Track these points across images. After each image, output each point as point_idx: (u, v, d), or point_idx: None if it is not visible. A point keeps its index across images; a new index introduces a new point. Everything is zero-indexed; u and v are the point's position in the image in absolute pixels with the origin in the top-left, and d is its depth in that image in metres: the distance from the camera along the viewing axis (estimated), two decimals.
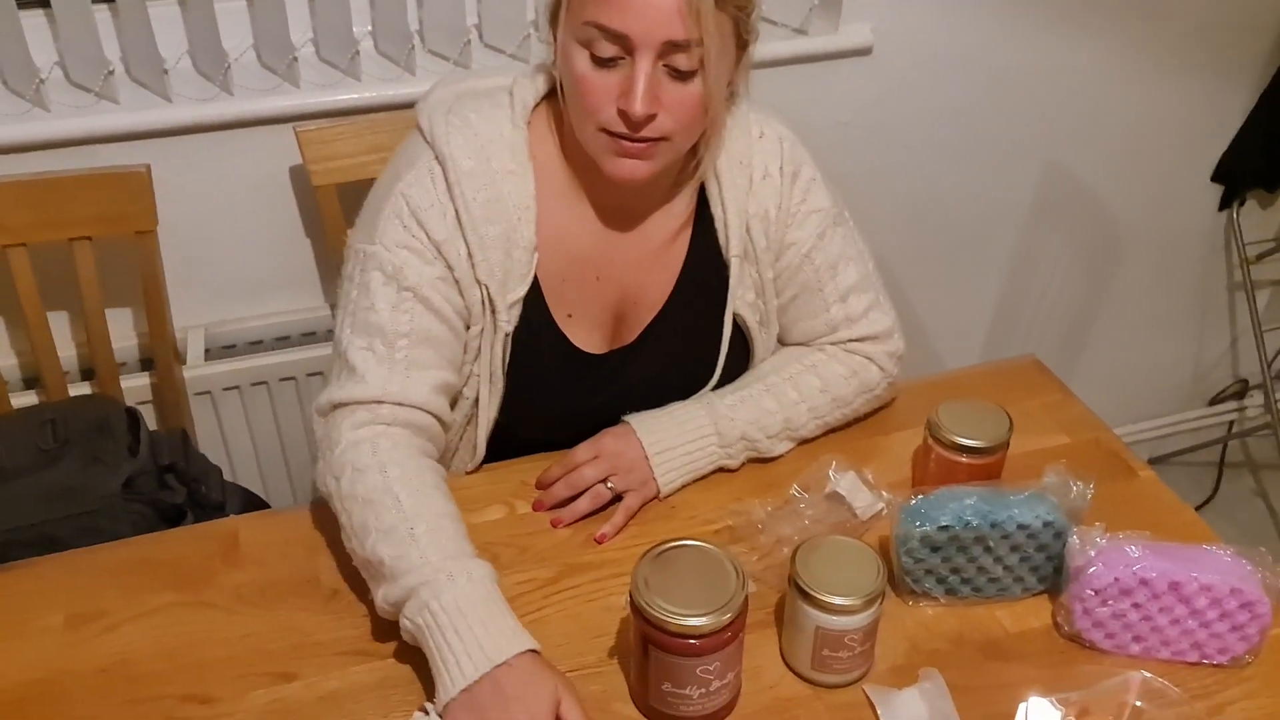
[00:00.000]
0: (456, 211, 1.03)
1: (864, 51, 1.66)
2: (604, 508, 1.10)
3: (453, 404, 1.10)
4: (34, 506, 1.15)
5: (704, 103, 0.98)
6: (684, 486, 1.13)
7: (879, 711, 0.91)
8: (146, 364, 1.46)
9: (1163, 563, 0.92)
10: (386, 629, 0.98)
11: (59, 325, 1.40)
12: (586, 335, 1.13)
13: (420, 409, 1.04)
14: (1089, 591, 0.93)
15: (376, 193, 1.07)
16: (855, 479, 1.12)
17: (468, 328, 1.08)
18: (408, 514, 0.95)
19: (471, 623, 0.88)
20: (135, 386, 1.42)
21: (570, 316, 1.12)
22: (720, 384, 1.18)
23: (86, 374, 1.43)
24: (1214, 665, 0.95)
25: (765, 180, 1.12)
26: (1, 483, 1.17)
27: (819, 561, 0.92)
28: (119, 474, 1.18)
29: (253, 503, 1.38)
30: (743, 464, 1.16)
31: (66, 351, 1.42)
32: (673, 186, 1.11)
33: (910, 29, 1.66)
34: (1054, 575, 1.00)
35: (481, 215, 1.04)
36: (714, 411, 1.13)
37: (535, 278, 1.09)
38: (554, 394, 1.14)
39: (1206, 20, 1.82)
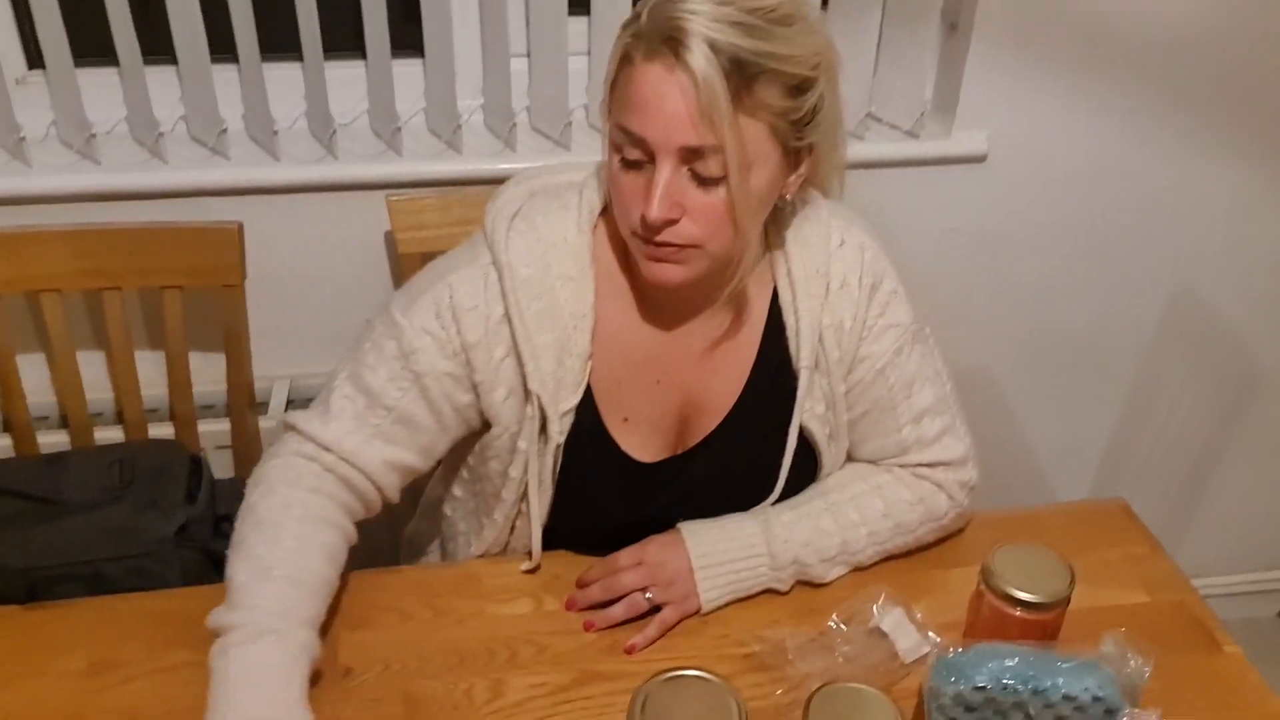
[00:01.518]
0: (509, 318, 1.02)
1: (978, 159, 1.59)
2: (641, 617, 1.05)
3: (483, 504, 1.11)
4: (91, 543, 1.18)
5: (730, 211, 0.94)
6: (727, 605, 1.08)
7: None
8: (229, 410, 1.50)
9: None
10: (392, 717, 0.96)
11: (149, 366, 1.46)
12: (643, 441, 1.10)
13: (364, 473, 1.04)
14: None
15: (428, 273, 1.07)
16: (903, 616, 1.05)
17: (481, 426, 1.07)
18: (280, 555, 0.97)
19: (252, 684, 0.89)
20: (215, 431, 1.46)
21: (626, 421, 1.09)
22: (781, 497, 1.13)
23: (171, 415, 1.48)
24: None
25: (842, 290, 1.07)
26: (65, 516, 1.21)
27: (834, 709, 0.85)
28: (173, 519, 1.21)
29: None
30: (792, 588, 1.10)
31: (157, 390, 1.47)
32: (726, 289, 1.06)
33: (1028, 137, 1.59)
34: None
35: (535, 324, 1.02)
36: (769, 530, 1.09)
37: (589, 385, 1.06)
38: (603, 504, 1.11)
39: None
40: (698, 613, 1.07)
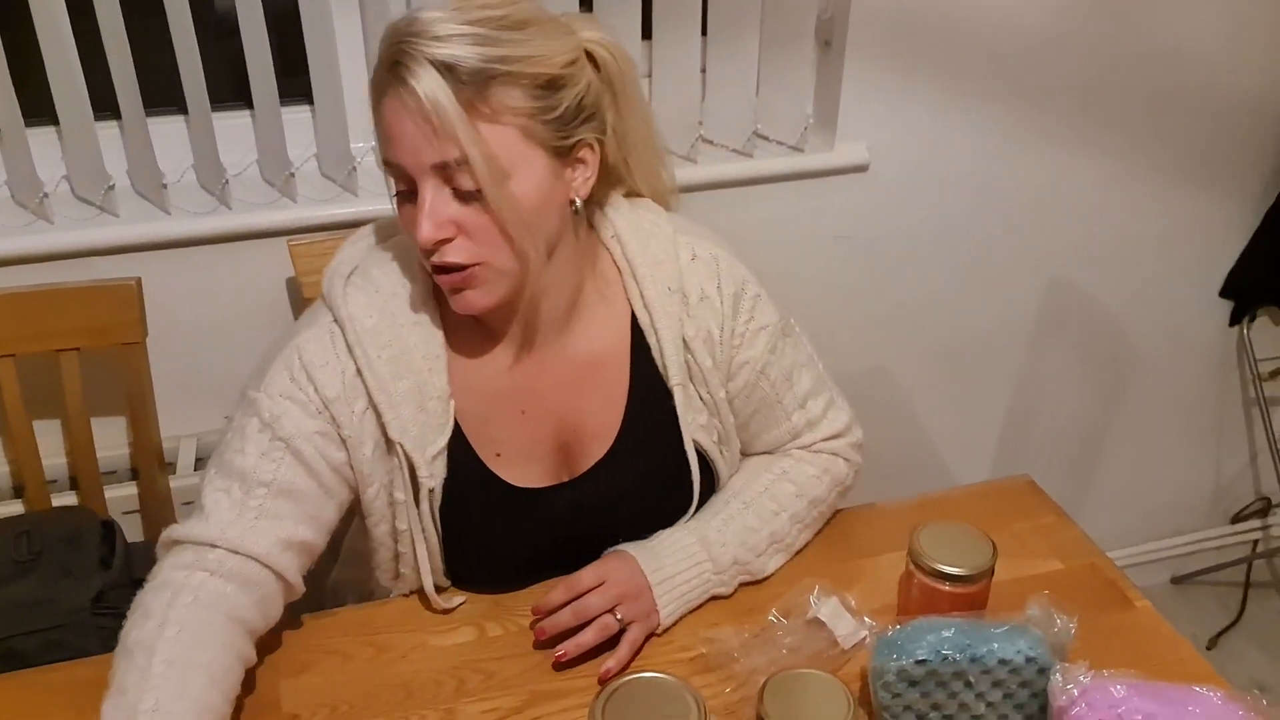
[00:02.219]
0: (359, 372, 1.01)
1: (861, 168, 1.67)
2: (610, 641, 1.04)
3: (372, 560, 1.10)
4: (2, 620, 1.13)
5: (498, 221, 0.95)
6: (681, 619, 1.09)
7: None
8: (136, 473, 1.46)
9: (1149, 705, 0.87)
10: None
11: (48, 434, 1.41)
12: (522, 472, 1.10)
13: (257, 560, 0.97)
14: None
15: (274, 349, 1.05)
16: (838, 605, 1.08)
17: (356, 485, 1.05)
18: (147, 686, 0.87)
19: None
20: (123, 496, 1.42)
21: (499, 456, 1.09)
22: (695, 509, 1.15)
23: (75, 483, 1.43)
24: None
25: (703, 302, 1.10)
26: None
27: (787, 698, 0.88)
28: (89, 588, 1.17)
29: None
30: (736, 590, 1.13)
31: (58, 459, 1.42)
32: (574, 297, 1.08)
33: (906, 146, 1.67)
34: (1040, 714, 0.95)
35: (388, 372, 1.02)
36: (705, 538, 1.11)
37: (456, 424, 1.06)
38: (501, 538, 1.11)
39: (1212, 136, 1.82)
40: (656, 629, 1.07)
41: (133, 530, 1.40)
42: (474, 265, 0.97)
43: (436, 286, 1.04)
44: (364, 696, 1.01)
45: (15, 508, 1.39)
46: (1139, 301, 1.95)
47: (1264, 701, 0.87)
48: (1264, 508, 2.30)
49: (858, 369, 1.85)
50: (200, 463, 1.49)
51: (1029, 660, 0.93)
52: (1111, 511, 2.20)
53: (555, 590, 1.05)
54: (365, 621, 1.10)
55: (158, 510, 1.40)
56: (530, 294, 1.03)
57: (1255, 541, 2.34)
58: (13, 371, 1.29)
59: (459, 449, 1.07)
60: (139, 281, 1.29)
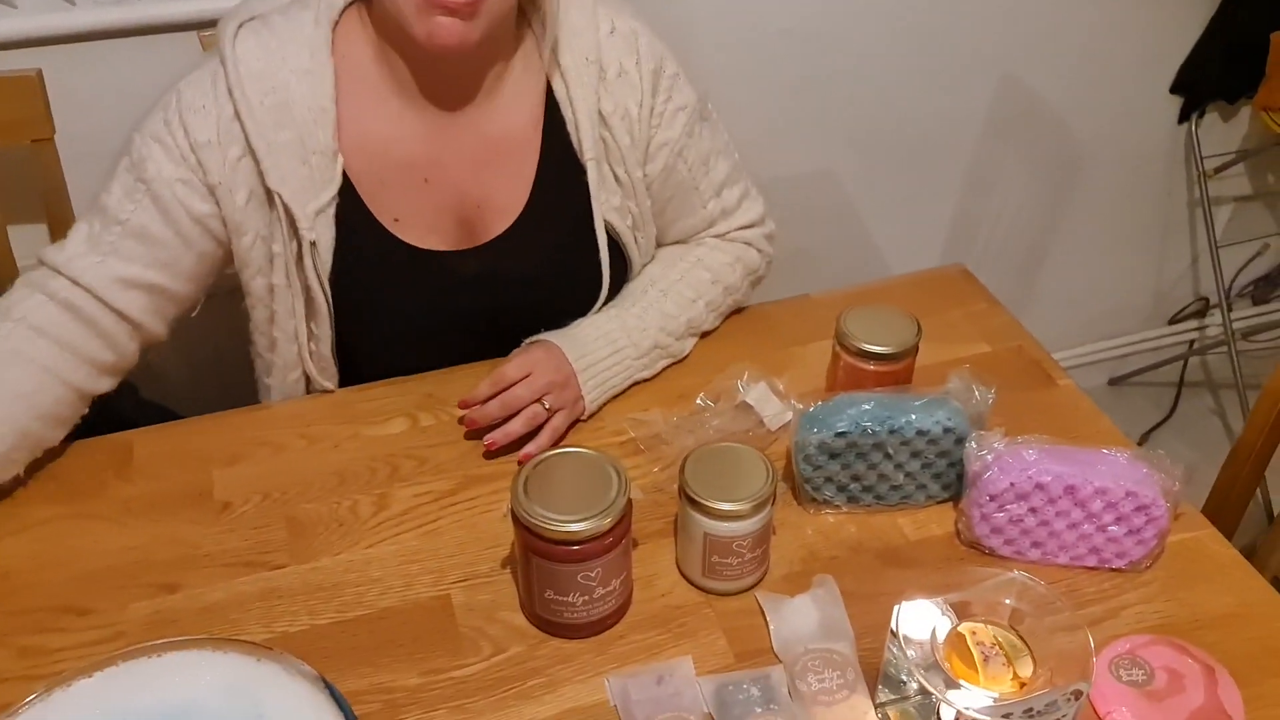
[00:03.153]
0: (238, 115, 0.99)
1: None
2: (538, 429, 1.06)
3: (254, 323, 1.10)
4: None
5: None
6: (605, 404, 1.11)
7: (768, 618, 0.90)
8: None
9: (1059, 466, 0.90)
10: (276, 541, 0.97)
11: None
12: (421, 239, 1.09)
13: (92, 294, 1.00)
14: (985, 497, 0.92)
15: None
16: (765, 389, 1.10)
17: (227, 237, 1.04)
18: None
19: None
20: None
21: (397, 221, 1.08)
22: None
23: None
24: (1113, 570, 0.93)
25: (621, 78, 1.08)
26: None
27: (708, 468, 0.90)
28: None
29: (169, 419, 1.35)
30: (658, 372, 1.14)
31: None
32: (504, 72, 1.06)
33: None
34: (958, 482, 0.98)
35: (269, 121, 1.00)
36: (625, 324, 1.11)
37: (349, 184, 1.04)
38: (390, 296, 1.09)
39: None
40: (581, 415, 1.09)
41: None
42: None
43: (341, 39, 1.02)
44: (297, 484, 1.02)
45: None
46: (1088, 99, 1.92)
47: (1167, 459, 0.90)
48: (1202, 308, 2.35)
49: (802, 172, 1.83)
50: None
51: (946, 431, 0.95)
52: (1053, 313, 2.22)
53: (482, 383, 1.05)
54: (297, 414, 1.11)
55: None
56: (486, 47, 1.00)
57: (1191, 341, 2.40)
58: None
59: (353, 210, 1.05)
60: (39, 73, 1.22)
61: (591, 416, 1.09)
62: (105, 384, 1.04)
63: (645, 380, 1.13)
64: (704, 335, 1.19)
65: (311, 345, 1.10)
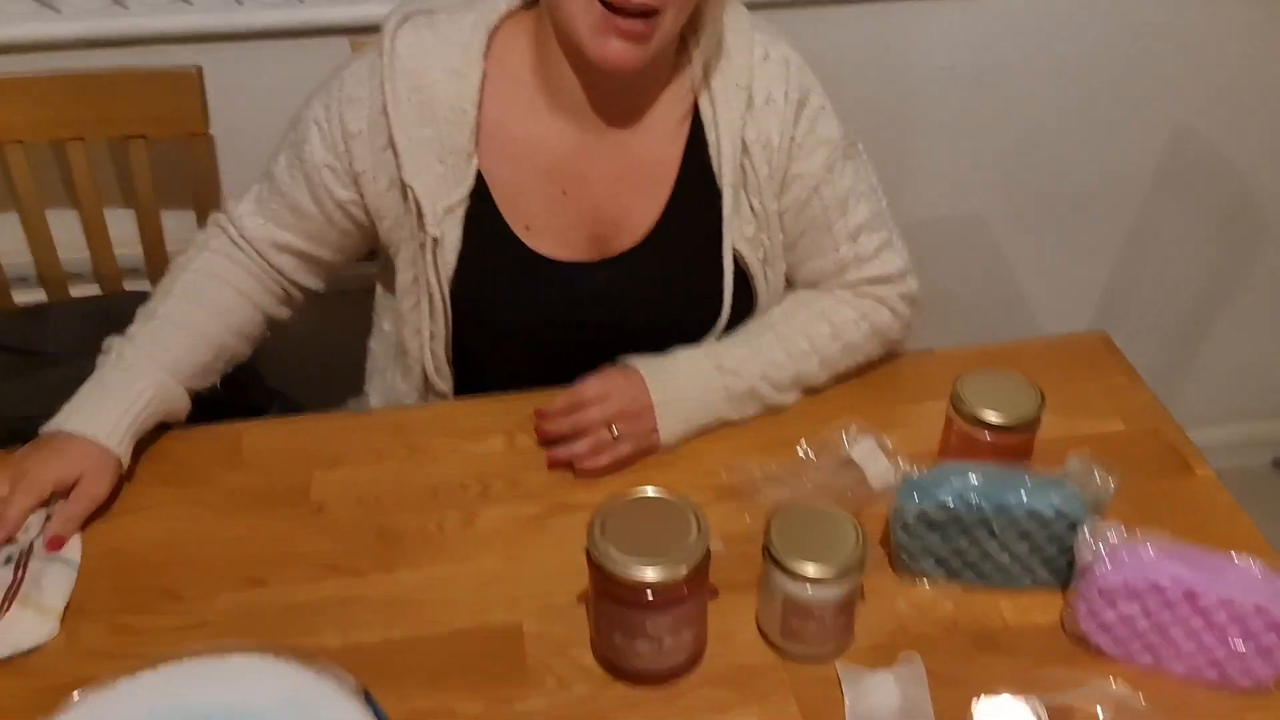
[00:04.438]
0: (385, 108, 1.02)
1: None
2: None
3: (386, 311, 1.18)
4: (74, 393, 1.18)
5: None
6: (685, 440, 1.08)
7: (845, 690, 0.85)
8: None
9: (1179, 568, 0.83)
10: (363, 548, 0.98)
11: (123, 226, 1.44)
12: (551, 249, 1.09)
13: (254, 248, 1.12)
14: (1095, 591, 0.85)
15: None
16: (873, 445, 1.05)
17: (368, 220, 1.10)
18: (165, 305, 1.08)
19: (91, 395, 1.01)
20: None
21: (529, 229, 1.08)
22: (726, 327, 1.13)
23: (149, 275, 1.47)
24: (1238, 689, 0.85)
25: (768, 106, 1.05)
26: (47, 367, 1.21)
27: (795, 527, 0.86)
28: None
29: (294, 409, 1.40)
30: (749, 418, 1.11)
31: (132, 250, 1.46)
32: (658, 93, 1.06)
33: None
34: (1068, 570, 0.91)
35: (413, 116, 1.03)
36: (722, 366, 1.08)
37: (485, 187, 1.06)
38: (510, 303, 1.10)
39: None
40: (655, 448, 1.07)
41: None
42: (654, 13, 0.94)
43: (490, 46, 1.04)
44: (391, 493, 1.03)
45: (92, 289, 1.44)
46: (1272, 154, 1.78)
47: None
48: None
49: (951, 215, 1.76)
50: None
51: (1059, 515, 0.88)
52: (1212, 390, 2.08)
53: (560, 397, 1.05)
54: (401, 423, 1.12)
55: None
56: (652, 69, 1.02)
57: None
58: (83, 156, 1.31)
59: (484, 214, 1.07)
60: (199, 70, 1.28)
61: (668, 450, 1.07)
62: (284, 312, 1.17)
63: (735, 423, 1.10)
64: (813, 392, 1.13)
65: (431, 345, 1.11)
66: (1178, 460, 1.06)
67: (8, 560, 0.93)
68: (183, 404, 1.06)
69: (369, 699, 0.71)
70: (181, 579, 0.95)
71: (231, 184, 1.43)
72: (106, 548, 0.98)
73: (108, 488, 0.98)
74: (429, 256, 1.06)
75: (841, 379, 1.15)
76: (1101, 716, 0.70)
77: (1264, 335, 2.02)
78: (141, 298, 1.34)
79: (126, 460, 1.00)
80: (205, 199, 1.36)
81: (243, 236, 1.12)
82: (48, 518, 0.96)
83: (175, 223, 1.43)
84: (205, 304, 1.10)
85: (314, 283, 1.17)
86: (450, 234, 1.06)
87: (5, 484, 0.95)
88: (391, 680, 0.84)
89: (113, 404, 1.00)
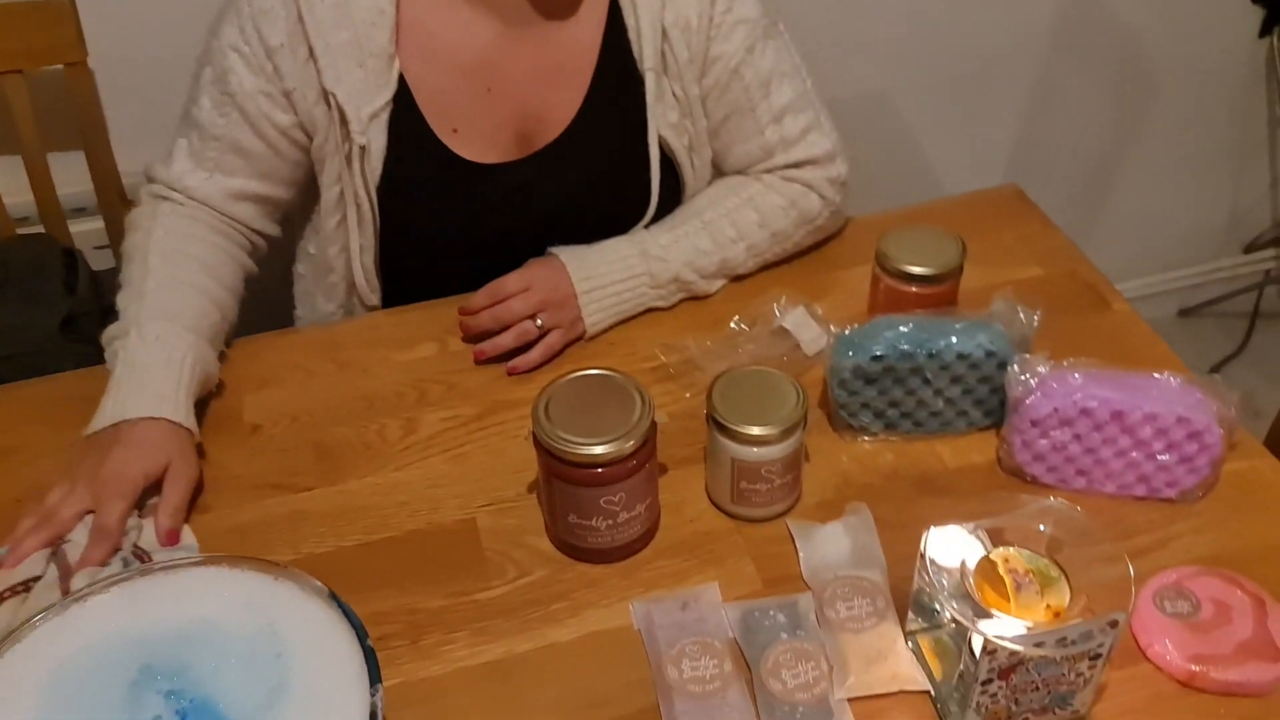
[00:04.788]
0: (300, 15, 0.98)
1: None
2: (531, 344, 1.05)
3: (309, 225, 1.12)
4: None
5: None
6: (610, 328, 1.08)
7: (798, 545, 0.87)
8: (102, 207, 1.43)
9: (1106, 391, 0.86)
10: (303, 465, 0.96)
11: (9, 174, 1.37)
12: (477, 151, 1.07)
13: (208, 206, 1.05)
14: (1027, 423, 0.88)
15: None
16: (803, 313, 1.06)
17: (309, 142, 1.05)
18: (148, 271, 0.99)
19: (131, 379, 0.92)
20: (90, 230, 1.40)
21: (456, 132, 1.06)
22: (656, 215, 1.12)
23: (43, 220, 1.40)
24: (1163, 500, 0.89)
25: None
26: None
27: (737, 393, 0.87)
28: (56, 313, 1.16)
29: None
30: (675, 304, 1.11)
31: (23, 198, 1.39)
32: None
33: None
34: (1001, 410, 0.94)
35: (329, 20, 0.99)
36: (646, 252, 1.08)
37: (407, 91, 1.03)
38: (438, 209, 1.08)
39: None
40: (582, 337, 1.07)
41: (102, 264, 1.39)
42: None
43: None
44: (325, 408, 1.02)
45: None
46: (1162, 12, 1.81)
47: (1222, 384, 0.85)
48: (1279, 237, 2.24)
49: (854, 93, 1.76)
50: None
51: (989, 355, 0.91)
52: (1119, 242, 2.14)
53: (479, 292, 1.04)
54: (328, 340, 1.10)
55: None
56: None
57: (1268, 271, 2.29)
58: None
59: (408, 118, 1.04)
60: None
61: (594, 338, 1.07)
62: (253, 266, 1.11)
63: (663, 309, 1.10)
64: (740, 279, 1.13)
65: (362, 259, 1.09)
66: (1096, 298, 1.10)
67: (126, 566, 0.86)
68: (215, 367, 1.00)
69: (334, 598, 0.70)
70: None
71: (116, 119, 1.37)
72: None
73: (197, 466, 0.92)
74: (356, 166, 1.03)
75: (768, 266, 1.15)
76: (1044, 530, 0.73)
77: (1165, 189, 2.08)
78: (32, 241, 1.29)
79: (197, 432, 0.94)
80: (93, 133, 1.30)
81: (191, 198, 1.05)
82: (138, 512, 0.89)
83: (64, 166, 1.36)
84: (193, 264, 1.01)
85: (274, 228, 1.11)
86: (376, 141, 1.03)
87: (86, 495, 0.85)
88: (349, 586, 0.82)
89: (162, 379, 0.92)
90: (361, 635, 0.68)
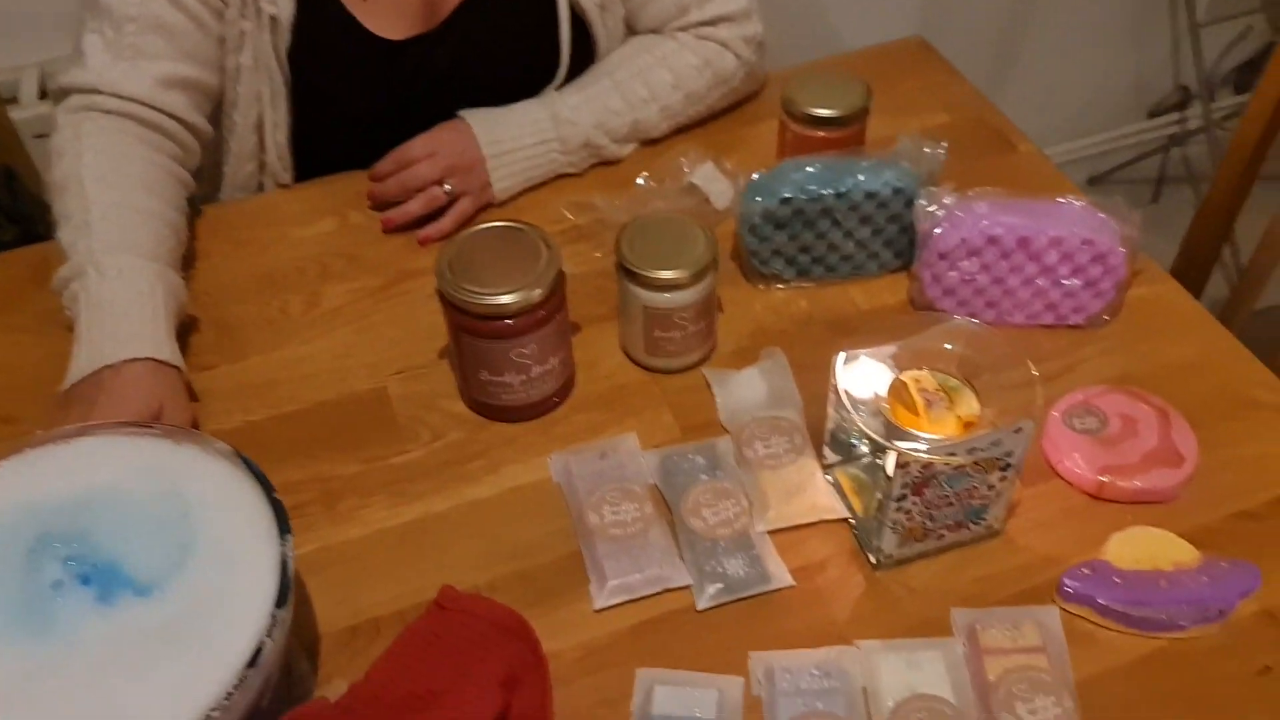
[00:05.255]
0: None
1: None
2: (440, 211, 1.02)
3: (220, 107, 1.03)
4: None
5: None
6: (522, 193, 1.06)
7: (715, 391, 0.87)
8: None
9: (1012, 218, 0.86)
10: (204, 344, 0.93)
11: None
12: (391, 22, 1.02)
13: (142, 103, 0.94)
14: (936, 256, 0.88)
15: None
16: (712, 168, 1.04)
17: (223, 16, 0.97)
18: (88, 201, 0.89)
19: (103, 321, 0.83)
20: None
21: (365, 1, 1.01)
22: (566, 80, 1.08)
23: None
24: (1071, 327, 0.90)
25: None
26: None
27: (646, 240, 0.85)
28: None
29: None
30: (587, 169, 1.08)
31: None
32: None
33: None
34: (911, 249, 0.94)
35: None
36: (556, 114, 1.04)
37: None
38: (349, 87, 1.04)
39: None
40: (492, 203, 1.04)
41: None
42: None
43: None
44: (221, 287, 0.98)
45: None
46: None
47: (1123, 204, 0.86)
48: (1183, 99, 2.27)
49: None
50: (45, 94, 1.39)
51: (896, 192, 0.90)
52: (1028, 113, 2.13)
53: (385, 159, 1.01)
54: (220, 220, 1.05)
55: (6, 139, 1.31)
56: None
57: (1171, 134, 2.33)
58: None
59: None
60: None
61: (504, 204, 1.05)
62: (188, 178, 1.00)
63: (574, 174, 1.08)
64: (652, 143, 1.10)
65: (275, 135, 1.04)
66: (1002, 141, 1.10)
67: None
68: (186, 295, 0.91)
69: (239, 456, 0.68)
70: (13, 404, 0.89)
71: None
72: None
73: (190, 408, 0.84)
74: (266, 36, 0.98)
75: (681, 129, 1.12)
76: (950, 349, 0.73)
77: (1070, 58, 2.09)
78: None
79: (185, 369, 0.86)
80: None
81: (117, 94, 0.94)
82: None
83: None
84: (135, 187, 0.92)
85: (204, 123, 1.01)
86: (284, 10, 0.98)
87: None
88: (259, 458, 0.80)
89: (136, 315, 0.84)
90: (268, 489, 0.66)
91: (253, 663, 0.58)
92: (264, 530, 0.64)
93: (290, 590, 0.61)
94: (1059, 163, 2.26)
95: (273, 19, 0.97)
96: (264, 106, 1.02)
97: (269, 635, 0.59)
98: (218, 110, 1.05)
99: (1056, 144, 2.25)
